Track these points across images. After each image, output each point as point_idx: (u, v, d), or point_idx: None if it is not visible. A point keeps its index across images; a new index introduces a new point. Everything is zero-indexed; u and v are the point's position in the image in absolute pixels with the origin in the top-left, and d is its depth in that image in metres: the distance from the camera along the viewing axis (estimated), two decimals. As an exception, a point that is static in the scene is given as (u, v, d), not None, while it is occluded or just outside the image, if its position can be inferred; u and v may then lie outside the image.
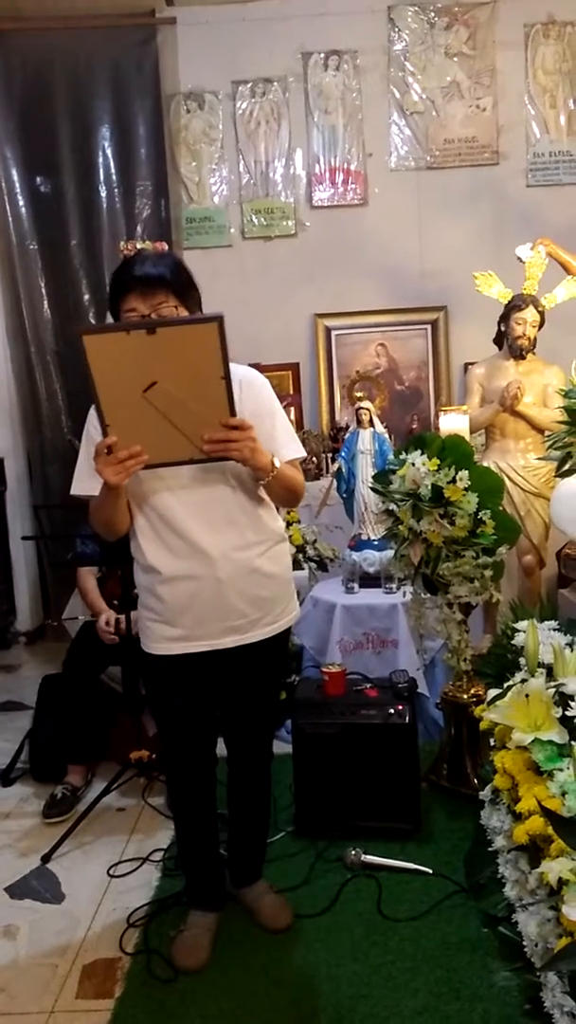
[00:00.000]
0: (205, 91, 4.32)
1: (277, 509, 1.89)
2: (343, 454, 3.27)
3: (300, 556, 3.28)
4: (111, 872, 2.30)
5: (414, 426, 4.23)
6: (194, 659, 1.79)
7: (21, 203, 4.30)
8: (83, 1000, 1.83)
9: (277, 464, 1.69)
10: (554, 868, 1.51)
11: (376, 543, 3.17)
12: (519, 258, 3.32)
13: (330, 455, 4.04)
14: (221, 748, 1.98)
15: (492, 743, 2.03)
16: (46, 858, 2.38)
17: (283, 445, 1.76)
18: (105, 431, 1.54)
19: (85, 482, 1.76)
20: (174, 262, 1.70)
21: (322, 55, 4.26)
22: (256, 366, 1.87)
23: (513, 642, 2.22)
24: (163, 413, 1.51)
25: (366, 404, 3.26)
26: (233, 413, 1.56)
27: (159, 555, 1.75)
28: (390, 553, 2.72)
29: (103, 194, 4.30)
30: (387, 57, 4.26)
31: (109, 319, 1.73)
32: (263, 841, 2.12)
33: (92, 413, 1.78)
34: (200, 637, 1.77)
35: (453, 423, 2.60)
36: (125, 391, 1.49)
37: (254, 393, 1.74)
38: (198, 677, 1.83)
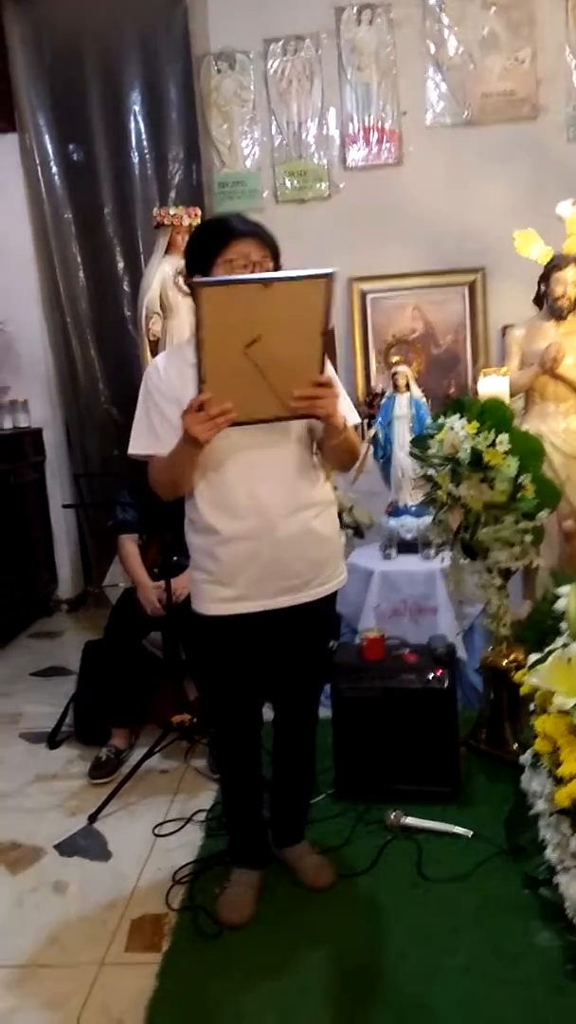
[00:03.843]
0: (236, 51, 4.24)
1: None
2: (380, 420, 3.24)
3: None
4: (156, 832, 2.36)
5: (451, 390, 4.18)
6: (247, 620, 1.80)
7: (54, 171, 4.30)
8: (131, 953, 1.89)
9: (348, 424, 1.73)
10: (596, 831, 1.51)
11: (413, 509, 3.15)
12: (559, 216, 3.23)
13: (366, 421, 4.02)
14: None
15: (532, 708, 2.03)
16: (93, 818, 2.44)
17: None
18: (201, 387, 1.53)
19: (145, 442, 1.77)
20: None
21: (355, 9, 4.15)
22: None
23: (554, 607, 2.20)
24: (260, 369, 1.51)
25: (402, 368, 3.22)
26: (323, 370, 1.57)
27: (218, 515, 1.76)
28: (427, 519, 2.71)
29: (135, 160, 4.28)
30: (422, 9, 4.13)
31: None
32: (306, 803, 2.15)
33: (149, 372, 1.78)
34: (255, 597, 1.79)
35: (492, 386, 2.56)
36: (229, 346, 1.49)
37: None
38: (250, 638, 1.84)
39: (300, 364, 1.55)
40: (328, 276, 1.46)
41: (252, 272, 1.65)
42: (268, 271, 1.67)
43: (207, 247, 1.69)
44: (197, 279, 1.50)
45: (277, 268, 1.72)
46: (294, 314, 1.48)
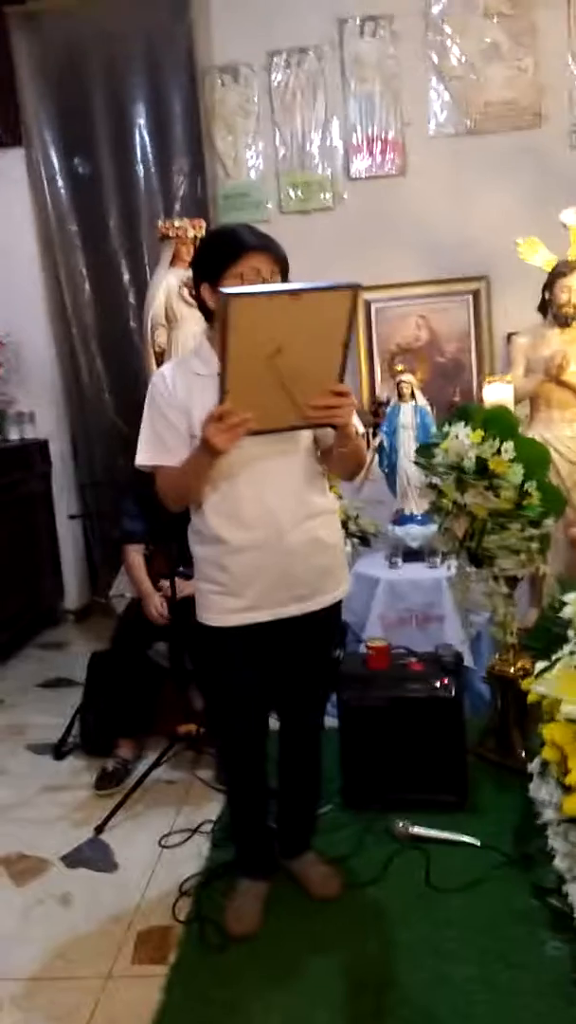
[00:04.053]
0: (240, 63, 4.27)
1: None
2: (385, 428, 3.25)
3: (343, 531, 3.27)
4: (162, 843, 2.35)
5: (456, 399, 4.17)
6: (254, 629, 1.80)
7: (60, 184, 4.33)
8: (138, 966, 1.88)
9: (359, 431, 1.73)
10: (605, 840, 1.50)
11: (419, 518, 3.15)
12: (563, 223, 3.24)
13: (371, 430, 4.01)
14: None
15: (540, 715, 2.01)
16: (99, 829, 2.43)
17: None
18: (223, 398, 1.53)
19: (153, 452, 1.76)
20: None
21: (358, 21, 4.17)
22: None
23: (561, 615, 2.19)
24: (282, 379, 1.52)
25: (407, 377, 3.23)
26: (342, 379, 1.58)
27: (227, 526, 1.75)
28: (433, 528, 2.70)
29: (140, 173, 4.30)
30: (425, 20, 4.15)
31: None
32: (313, 813, 2.14)
33: (155, 381, 1.78)
34: (265, 606, 1.79)
35: (497, 394, 2.57)
36: (253, 357, 1.49)
37: None
38: (256, 647, 1.84)
39: (319, 374, 1.55)
40: (355, 288, 1.47)
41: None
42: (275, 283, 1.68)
43: (219, 258, 1.68)
44: (227, 289, 1.47)
45: (285, 282, 1.72)
46: (319, 325, 1.49)
